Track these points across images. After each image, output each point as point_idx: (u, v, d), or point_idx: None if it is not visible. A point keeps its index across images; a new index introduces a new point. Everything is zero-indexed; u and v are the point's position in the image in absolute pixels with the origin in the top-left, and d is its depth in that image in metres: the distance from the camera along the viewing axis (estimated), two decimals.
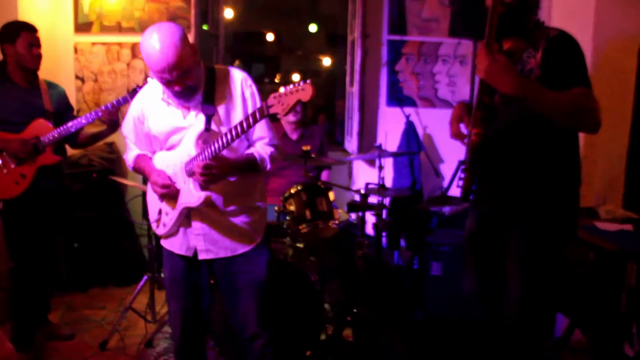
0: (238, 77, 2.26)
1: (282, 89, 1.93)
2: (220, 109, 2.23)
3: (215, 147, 2.08)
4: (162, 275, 3.69)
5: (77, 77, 4.56)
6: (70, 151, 3.61)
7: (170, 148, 2.30)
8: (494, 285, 2.25)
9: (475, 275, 2.36)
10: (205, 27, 4.86)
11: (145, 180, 3.89)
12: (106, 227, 4.39)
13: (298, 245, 3.41)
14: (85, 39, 4.51)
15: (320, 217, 3.28)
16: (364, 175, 4.67)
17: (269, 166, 2.29)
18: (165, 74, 2.03)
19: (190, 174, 2.19)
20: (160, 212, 2.36)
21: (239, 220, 2.32)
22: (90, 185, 4.33)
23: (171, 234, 2.34)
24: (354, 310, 3.36)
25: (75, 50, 4.52)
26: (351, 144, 4.50)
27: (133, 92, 3.00)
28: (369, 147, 4.63)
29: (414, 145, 4.40)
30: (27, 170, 3.02)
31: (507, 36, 2.09)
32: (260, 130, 2.28)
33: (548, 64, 1.98)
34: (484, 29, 2.08)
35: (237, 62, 11.73)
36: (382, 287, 3.75)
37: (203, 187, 2.20)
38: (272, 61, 12.42)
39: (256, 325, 2.34)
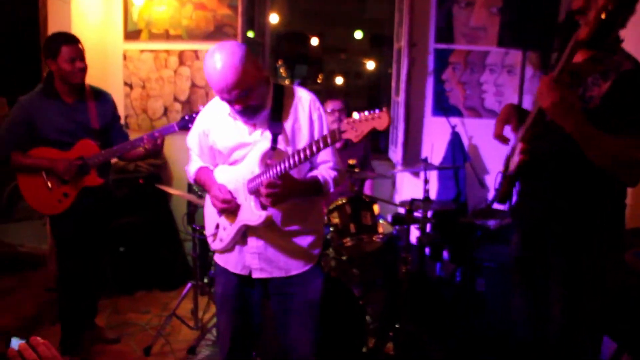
0: (307, 98, 2.24)
1: (356, 115, 1.86)
2: (287, 129, 2.20)
3: (282, 167, 2.04)
4: (205, 280, 3.79)
5: (125, 83, 4.65)
6: None
7: (233, 163, 2.29)
8: (540, 304, 2.19)
9: (522, 293, 2.31)
10: (251, 34, 4.88)
11: (189, 190, 3.95)
12: (151, 232, 4.45)
13: (341, 257, 3.41)
14: (134, 46, 4.60)
15: (364, 231, 3.27)
16: (407, 185, 4.62)
17: (332, 190, 2.26)
18: (224, 93, 2.03)
19: (253, 191, 2.17)
20: (217, 226, 2.35)
21: (296, 241, 2.29)
22: (136, 191, 4.41)
23: (227, 250, 2.33)
24: (396, 325, 3.33)
25: (125, 57, 4.61)
26: (396, 154, 4.45)
27: (181, 121, 3.02)
28: (414, 157, 4.58)
29: (459, 156, 4.33)
30: (71, 190, 3.05)
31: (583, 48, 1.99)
32: (325, 154, 2.25)
33: (612, 100, 1.88)
34: (536, 40, 2.00)
35: (279, 62, 11.76)
36: (425, 301, 3.70)
37: (264, 206, 2.18)
38: (315, 63, 12.42)
39: (308, 350, 2.33)
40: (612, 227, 2.04)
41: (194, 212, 3.72)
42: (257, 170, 2.14)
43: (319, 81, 12.73)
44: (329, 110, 3.85)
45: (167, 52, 4.57)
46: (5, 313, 3.83)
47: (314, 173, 2.25)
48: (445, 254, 4.39)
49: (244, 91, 2.03)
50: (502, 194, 2.23)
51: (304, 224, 2.30)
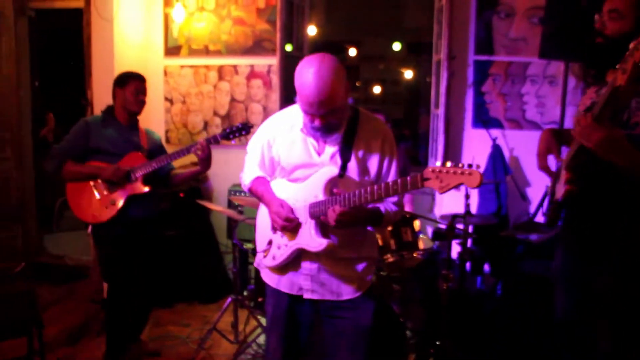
0: (382, 129, 2.20)
1: (440, 165, 1.79)
2: (358, 157, 2.15)
3: (355, 200, 1.99)
4: (245, 293, 3.81)
5: (166, 98, 4.74)
6: None
7: (294, 180, 2.23)
8: (584, 325, 2.15)
9: (566, 311, 2.25)
10: (289, 48, 4.91)
11: (229, 205, 3.95)
12: (192, 245, 4.51)
13: (381, 273, 3.39)
14: (174, 62, 4.68)
15: (405, 248, 3.25)
16: (448, 198, 4.55)
17: (389, 225, 2.27)
18: (313, 107, 1.99)
19: (315, 216, 2.12)
20: (270, 242, 2.30)
21: (350, 267, 2.26)
22: (177, 204, 4.48)
23: (278, 268, 2.29)
24: (437, 342, 3.29)
25: (165, 72, 4.71)
26: None
27: (223, 132, 3.09)
28: None
29: (500, 169, 4.26)
30: (118, 197, 3.17)
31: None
32: None
33: None
34: (578, 51, 1.96)
35: None
36: (465, 318, 3.65)
37: (324, 233, 2.15)
38: (353, 70, 12.43)
39: None
40: None
41: (234, 226, 3.75)
42: (321, 195, 2.10)
43: (357, 85, 12.64)
44: None
45: (207, 67, 4.64)
46: (51, 324, 3.92)
47: (378, 204, 2.19)
48: (486, 267, 4.32)
49: (332, 110, 2.01)
50: (551, 219, 2.17)
51: (359, 252, 2.27)
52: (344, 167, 2.11)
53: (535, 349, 3.23)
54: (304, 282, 2.25)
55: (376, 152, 2.17)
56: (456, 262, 3.65)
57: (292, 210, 2.17)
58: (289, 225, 2.16)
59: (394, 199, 2.20)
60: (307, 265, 2.23)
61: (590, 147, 1.84)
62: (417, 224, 3.36)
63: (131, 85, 3.25)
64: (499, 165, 4.27)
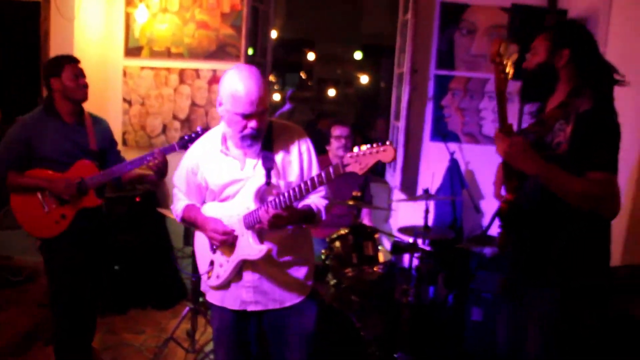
0: (294, 132, 2.33)
1: (357, 149, 1.92)
2: (278, 162, 2.26)
3: (284, 199, 2.08)
4: (201, 299, 3.76)
5: (124, 100, 4.63)
6: None
7: (224, 199, 2.31)
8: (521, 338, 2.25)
9: (506, 326, 2.36)
10: (250, 51, 4.87)
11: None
12: (147, 250, 4.43)
13: (341, 285, 3.43)
14: (134, 62, 4.57)
15: (366, 262, 3.30)
16: (404, 208, 4.65)
17: (324, 218, 2.31)
18: (254, 105, 2.09)
19: (250, 226, 2.20)
20: (212, 263, 2.37)
21: (291, 272, 2.35)
22: (132, 209, 4.38)
23: (222, 286, 2.35)
24: (395, 355, 3.35)
25: (125, 73, 4.59)
26: (394, 178, 4.47)
27: (181, 141, 2.99)
28: (412, 182, 4.62)
29: (457, 183, 4.37)
30: (68, 211, 2.98)
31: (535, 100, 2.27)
32: None
33: (574, 141, 2.00)
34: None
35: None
36: (422, 329, 3.74)
37: (261, 240, 2.22)
38: (307, 71, 12.48)
39: None
40: (595, 274, 2.10)
41: (193, 232, 3.70)
42: (252, 206, 2.19)
43: (309, 84, 12.66)
44: (335, 135, 3.86)
45: (168, 69, 4.56)
46: None
47: (307, 202, 2.29)
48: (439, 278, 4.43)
49: (264, 109, 2.14)
50: (501, 245, 2.28)
51: (297, 255, 2.36)
52: (268, 175, 2.20)
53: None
54: (246, 295, 2.33)
55: (295, 154, 2.29)
56: (413, 274, 3.73)
57: (226, 227, 2.26)
58: (228, 239, 2.24)
59: (322, 192, 2.31)
60: (248, 277, 2.31)
61: (502, 157, 2.05)
62: (376, 236, 3.42)
63: (67, 70, 2.95)
64: (456, 179, 4.38)
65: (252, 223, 2.19)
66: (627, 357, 2.50)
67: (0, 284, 4.57)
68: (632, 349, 2.49)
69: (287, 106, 7.11)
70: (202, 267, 2.43)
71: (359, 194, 3.35)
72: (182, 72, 4.55)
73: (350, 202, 3.40)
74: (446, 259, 4.21)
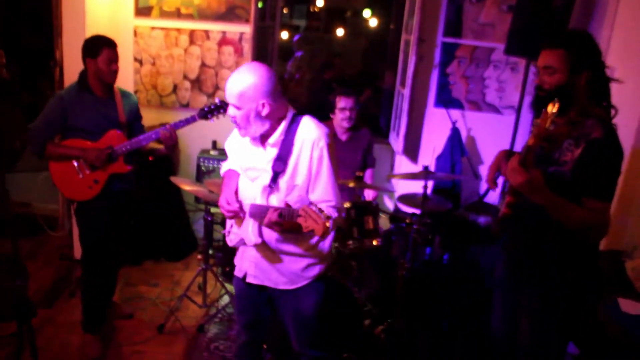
0: (311, 138, 2.29)
1: (313, 208, 2.05)
2: (292, 163, 2.31)
3: (276, 216, 2.17)
4: (210, 252, 4.02)
5: (135, 59, 4.70)
6: None
7: (248, 178, 2.45)
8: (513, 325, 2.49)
9: (500, 314, 2.60)
10: (260, 4, 4.84)
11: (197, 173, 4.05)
12: (159, 204, 4.65)
13: (344, 254, 3.66)
14: (144, 22, 4.60)
15: (366, 236, 3.52)
16: (405, 167, 4.83)
17: (331, 231, 2.31)
18: (230, 98, 2.24)
19: (252, 216, 2.34)
20: (231, 226, 2.56)
21: (286, 261, 2.46)
22: (145, 167, 4.56)
23: (236, 250, 2.60)
24: (388, 320, 3.63)
25: (135, 33, 4.63)
26: (397, 143, 4.62)
27: (201, 112, 3.22)
28: (413, 147, 4.77)
29: (457, 151, 4.52)
30: (100, 177, 3.28)
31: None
32: (326, 192, 2.33)
33: (580, 165, 2.11)
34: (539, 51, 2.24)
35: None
36: (416, 287, 3.98)
37: (260, 231, 2.38)
38: (317, 17, 12.25)
39: (300, 347, 2.63)
40: (585, 278, 2.28)
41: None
42: (258, 200, 2.35)
43: (318, 14, 12.35)
44: (340, 107, 3.93)
45: (178, 30, 4.59)
46: None
47: None
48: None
49: (236, 107, 2.24)
50: (495, 233, 2.47)
51: (297, 248, 2.44)
52: (274, 179, 2.31)
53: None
54: (248, 267, 2.54)
55: (306, 158, 2.30)
56: (410, 241, 3.96)
57: (238, 203, 2.39)
58: (232, 214, 2.39)
59: (331, 202, 2.33)
60: (252, 252, 2.51)
61: (515, 186, 2.12)
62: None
63: (104, 53, 3.18)
64: (456, 147, 4.53)
65: (253, 215, 2.33)
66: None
67: (22, 232, 4.81)
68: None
69: (298, 53, 7.10)
70: (227, 226, 2.60)
71: (360, 174, 3.51)
72: (192, 33, 4.59)
73: (351, 184, 3.57)
74: (442, 222, 4.43)
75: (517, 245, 2.45)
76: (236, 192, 2.49)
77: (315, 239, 2.45)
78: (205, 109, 3.23)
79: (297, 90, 6.64)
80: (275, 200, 2.35)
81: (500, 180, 2.56)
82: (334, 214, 2.32)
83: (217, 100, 3.23)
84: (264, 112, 2.23)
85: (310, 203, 2.15)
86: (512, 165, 2.10)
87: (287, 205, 2.18)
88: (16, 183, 5.30)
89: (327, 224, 2.02)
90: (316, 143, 2.28)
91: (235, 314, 2.80)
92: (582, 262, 2.27)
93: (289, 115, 2.34)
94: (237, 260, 2.63)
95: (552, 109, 2.00)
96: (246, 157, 2.43)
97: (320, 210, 2.06)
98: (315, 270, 2.50)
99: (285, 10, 11.66)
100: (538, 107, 2.26)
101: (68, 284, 4.16)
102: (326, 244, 2.50)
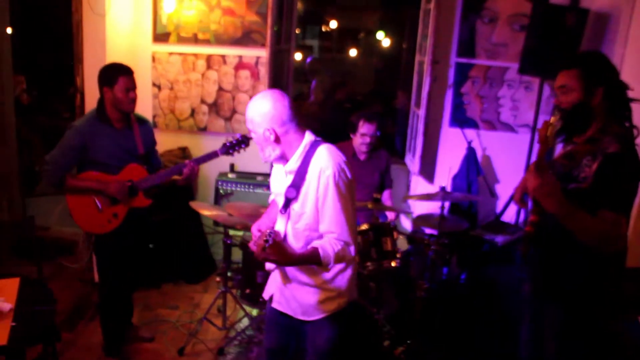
0: (319, 164, 2.26)
1: (264, 231, 2.13)
2: (302, 192, 2.30)
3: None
4: (229, 274, 4.05)
5: (154, 84, 4.78)
6: None
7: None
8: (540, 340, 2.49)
9: (528, 327, 2.61)
10: (275, 28, 4.92)
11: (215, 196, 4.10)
12: (177, 227, 4.69)
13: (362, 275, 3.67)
14: (162, 48, 4.70)
15: (384, 257, 3.53)
16: (422, 189, 4.85)
17: (331, 264, 2.25)
18: (248, 124, 2.33)
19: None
20: None
21: (304, 292, 2.45)
22: (164, 189, 4.61)
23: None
24: (408, 342, 3.63)
25: (153, 59, 4.72)
26: (413, 164, 4.65)
27: (223, 147, 3.22)
28: (429, 166, 4.80)
29: (473, 170, 4.54)
30: (120, 210, 3.26)
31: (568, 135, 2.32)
32: (331, 223, 2.26)
33: (598, 179, 2.13)
34: (555, 70, 2.28)
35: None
36: (435, 307, 3.98)
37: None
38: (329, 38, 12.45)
39: None
40: (605, 288, 2.30)
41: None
42: (279, 226, 2.42)
43: (330, 35, 12.46)
44: (362, 132, 3.95)
45: (195, 55, 4.68)
46: None
47: (317, 244, 2.25)
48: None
49: (250, 131, 2.33)
50: (524, 252, 2.47)
51: (310, 281, 2.42)
52: (286, 205, 2.34)
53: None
54: (275, 291, 2.57)
55: (314, 186, 2.26)
56: (428, 261, 3.97)
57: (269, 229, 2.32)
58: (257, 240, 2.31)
59: (334, 234, 2.25)
60: (278, 278, 2.54)
61: (531, 194, 2.15)
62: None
63: (120, 82, 3.13)
64: (472, 166, 4.55)
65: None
66: None
67: (42, 256, 4.87)
68: None
69: (313, 83, 7.03)
70: None
71: (378, 195, 3.54)
72: (209, 58, 4.67)
73: (370, 205, 3.60)
74: (460, 243, 4.43)
75: (538, 263, 2.47)
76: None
77: (330, 274, 2.40)
78: (227, 144, 3.26)
79: (311, 110, 6.68)
80: (290, 228, 2.37)
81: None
82: (337, 247, 2.24)
83: (238, 136, 3.25)
84: (271, 138, 2.27)
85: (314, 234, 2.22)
86: (530, 169, 2.16)
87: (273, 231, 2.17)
88: (36, 206, 5.42)
89: (265, 247, 2.08)
90: (323, 171, 2.24)
91: (264, 335, 2.80)
92: (601, 281, 2.28)
93: (308, 142, 2.32)
94: (268, 283, 2.65)
95: (554, 120, 2.09)
96: (275, 183, 2.49)
97: (270, 234, 2.09)
98: (332, 305, 2.44)
99: (297, 31, 11.79)
100: (563, 129, 2.30)
101: (89, 307, 4.20)
102: (344, 279, 2.43)
